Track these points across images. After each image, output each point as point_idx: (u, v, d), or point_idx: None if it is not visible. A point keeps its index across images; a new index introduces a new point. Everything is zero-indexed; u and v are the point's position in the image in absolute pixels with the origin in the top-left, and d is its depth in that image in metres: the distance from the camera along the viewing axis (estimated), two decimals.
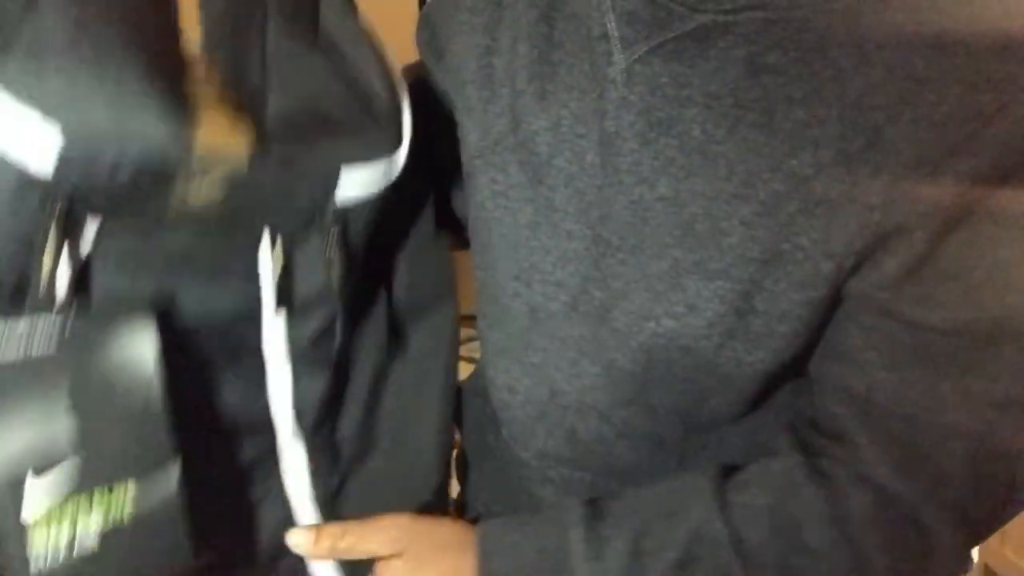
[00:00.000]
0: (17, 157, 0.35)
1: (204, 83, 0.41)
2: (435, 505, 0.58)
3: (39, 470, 0.35)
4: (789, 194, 0.47)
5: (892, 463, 0.51)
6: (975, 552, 2.07)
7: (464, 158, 0.62)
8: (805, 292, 0.49)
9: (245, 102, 0.41)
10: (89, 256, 0.39)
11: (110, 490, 0.38)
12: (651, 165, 0.50)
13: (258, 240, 0.44)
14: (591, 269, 0.54)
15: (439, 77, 0.66)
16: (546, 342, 0.58)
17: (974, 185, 0.42)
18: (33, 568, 0.35)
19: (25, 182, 0.35)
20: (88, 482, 0.37)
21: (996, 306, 0.45)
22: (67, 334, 0.36)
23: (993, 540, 1.95)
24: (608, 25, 0.51)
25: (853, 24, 0.44)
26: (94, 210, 0.39)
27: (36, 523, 0.35)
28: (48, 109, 0.34)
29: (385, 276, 0.57)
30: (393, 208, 0.52)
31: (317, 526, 0.53)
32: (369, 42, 0.52)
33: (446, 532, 0.56)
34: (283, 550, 0.53)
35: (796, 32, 0.45)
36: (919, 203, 0.43)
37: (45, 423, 0.35)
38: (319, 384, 0.50)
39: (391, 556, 0.55)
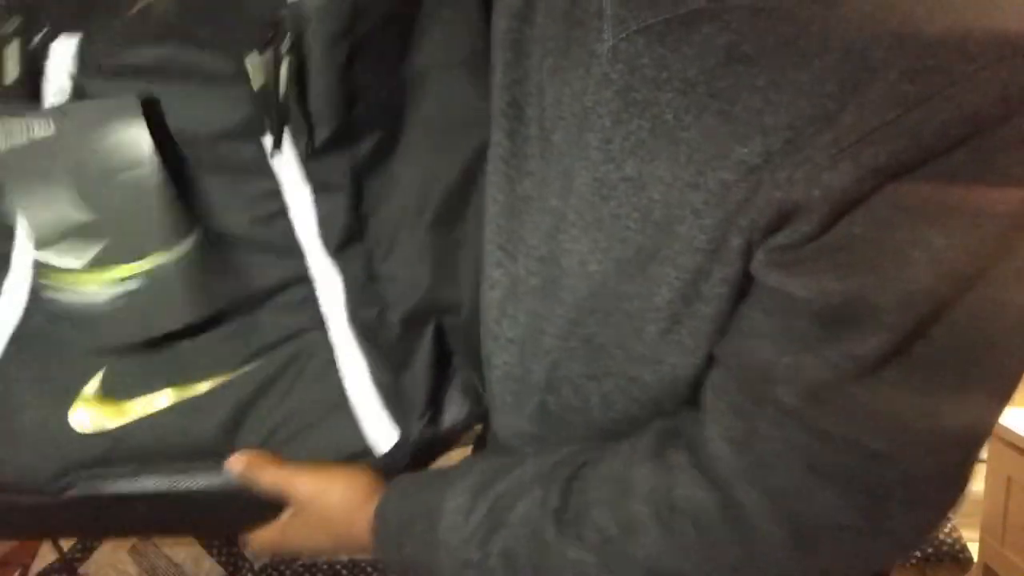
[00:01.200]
0: None
1: None
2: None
3: (61, 249, 0.40)
4: (736, 183, 0.46)
5: (727, 438, 0.51)
6: (975, 552, 2.06)
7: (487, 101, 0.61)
8: (726, 271, 0.49)
9: None
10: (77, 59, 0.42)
11: (137, 258, 0.42)
12: (620, 145, 0.50)
13: (226, 50, 0.44)
14: (551, 243, 0.55)
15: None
16: (523, 317, 0.58)
17: (877, 170, 0.42)
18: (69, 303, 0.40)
19: None
20: (111, 258, 0.41)
21: (851, 284, 0.45)
22: (64, 119, 0.41)
23: (993, 540, 1.95)
24: (604, 2, 0.51)
25: (827, 14, 0.43)
26: (53, 19, 0.42)
27: (68, 279, 0.40)
28: None
29: (417, 94, 0.53)
30: (390, 24, 0.50)
31: (250, 454, 0.53)
32: None
33: (349, 492, 0.57)
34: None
35: (778, 22, 0.45)
36: (825, 186, 0.43)
37: (57, 205, 0.40)
38: (340, 199, 0.50)
39: (293, 507, 0.57)
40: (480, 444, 0.77)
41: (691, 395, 0.55)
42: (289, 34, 0.44)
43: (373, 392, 0.52)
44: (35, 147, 0.40)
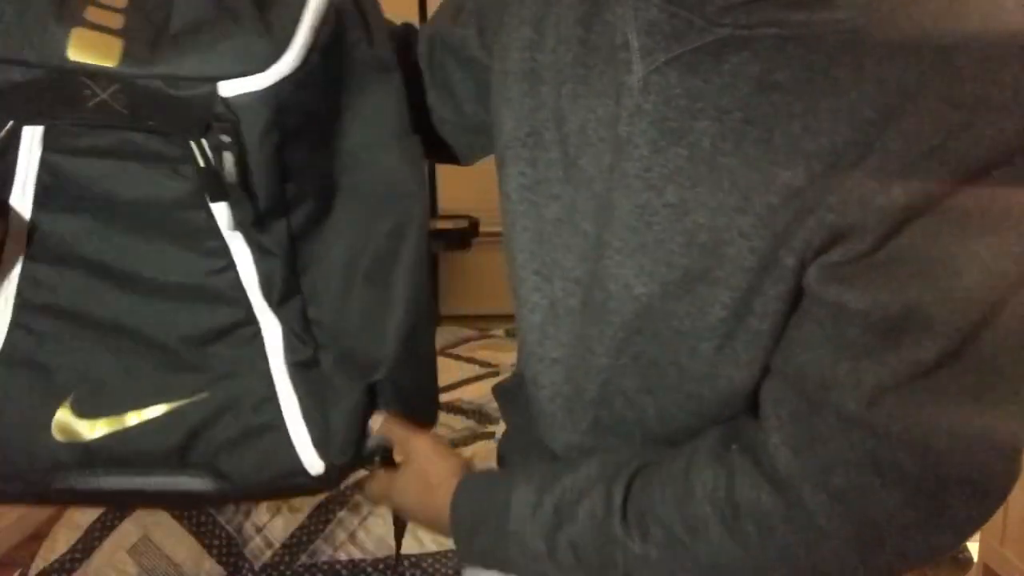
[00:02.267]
0: None
1: (104, 5, 0.51)
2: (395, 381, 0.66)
3: None
4: (783, 206, 0.49)
5: (788, 442, 0.53)
6: (975, 552, 2.06)
7: (497, 145, 0.65)
8: (779, 290, 0.52)
9: (140, 24, 0.51)
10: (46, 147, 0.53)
11: None
12: (660, 172, 0.53)
13: (172, 137, 0.54)
14: (594, 266, 0.58)
15: (472, 47, 0.70)
16: (565, 337, 0.62)
17: (928, 193, 0.45)
18: None
19: None
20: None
21: (907, 295, 0.48)
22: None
23: (993, 540, 1.95)
24: (630, 35, 0.54)
25: (858, 42, 0.46)
26: (19, 112, 0.52)
27: None
28: None
29: (349, 170, 0.63)
30: (320, 110, 0.59)
31: (387, 414, 0.65)
32: None
33: (447, 467, 0.68)
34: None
35: (806, 51, 0.48)
36: (878, 207, 0.46)
37: None
38: (277, 262, 0.59)
39: (402, 464, 0.68)
40: (500, 462, 0.82)
41: (747, 406, 0.57)
42: (228, 123, 0.52)
43: (303, 426, 0.61)
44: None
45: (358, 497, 1.91)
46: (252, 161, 0.55)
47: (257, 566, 1.84)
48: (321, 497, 1.91)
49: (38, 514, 2.71)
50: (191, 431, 0.60)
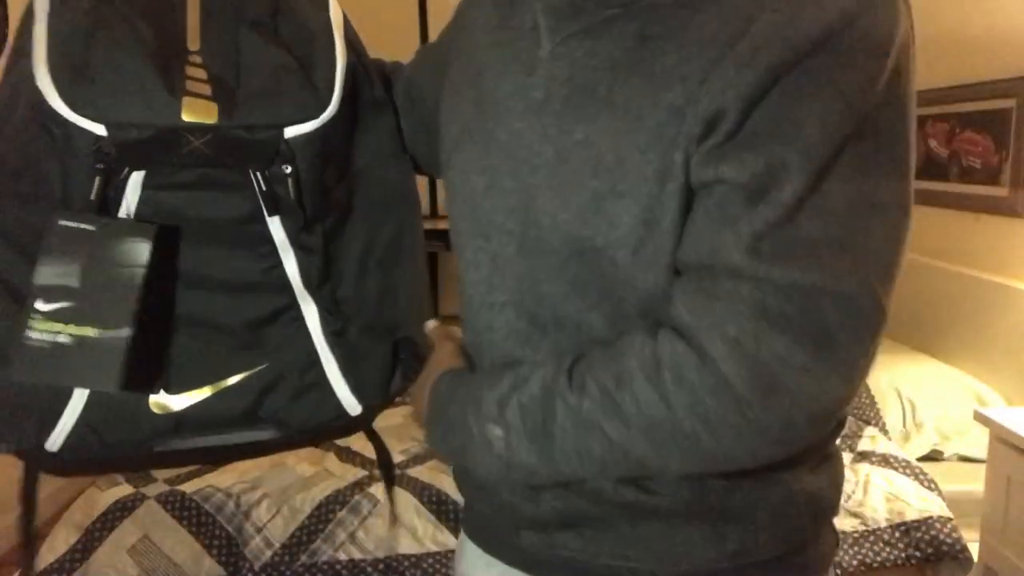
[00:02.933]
0: (83, 133, 0.65)
1: (194, 78, 0.67)
2: (410, 339, 0.84)
3: (47, 302, 0.65)
4: (669, 121, 0.61)
5: (688, 302, 0.62)
6: (975, 552, 2.05)
7: (443, 152, 0.80)
8: (674, 188, 0.62)
9: (222, 88, 0.67)
10: (144, 186, 0.69)
11: (79, 325, 0.65)
12: (571, 118, 0.66)
13: (244, 169, 0.70)
14: (524, 214, 0.69)
15: (427, 92, 0.87)
16: (510, 281, 0.72)
17: (771, 69, 0.58)
18: (28, 337, 0.65)
19: (92, 148, 0.66)
20: (68, 318, 0.65)
21: (768, 152, 0.58)
22: (103, 224, 0.67)
23: (993, 540, 1.95)
24: (538, 18, 0.69)
25: (710, 3, 0.62)
26: (133, 162, 0.67)
27: (37, 320, 0.64)
28: (98, 118, 0.65)
29: (360, 184, 0.81)
30: (344, 142, 0.77)
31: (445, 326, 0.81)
32: (328, 33, 0.75)
33: (440, 358, 0.79)
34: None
35: (674, 9, 0.63)
36: (736, 88, 0.58)
37: (66, 275, 0.65)
38: (316, 258, 0.76)
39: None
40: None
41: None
42: (288, 157, 0.70)
43: (342, 380, 0.79)
44: (78, 232, 0.66)
45: (358, 497, 1.91)
46: (304, 183, 0.72)
47: (257, 566, 1.84)
48: (321, 497, 1.91)
49: (38, 514, 2.71)
50: (257, 395, 0.76)
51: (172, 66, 0.67)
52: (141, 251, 0.67)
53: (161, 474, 2.03)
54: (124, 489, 1.94)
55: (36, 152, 0.68)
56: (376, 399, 0.81)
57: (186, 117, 0.65)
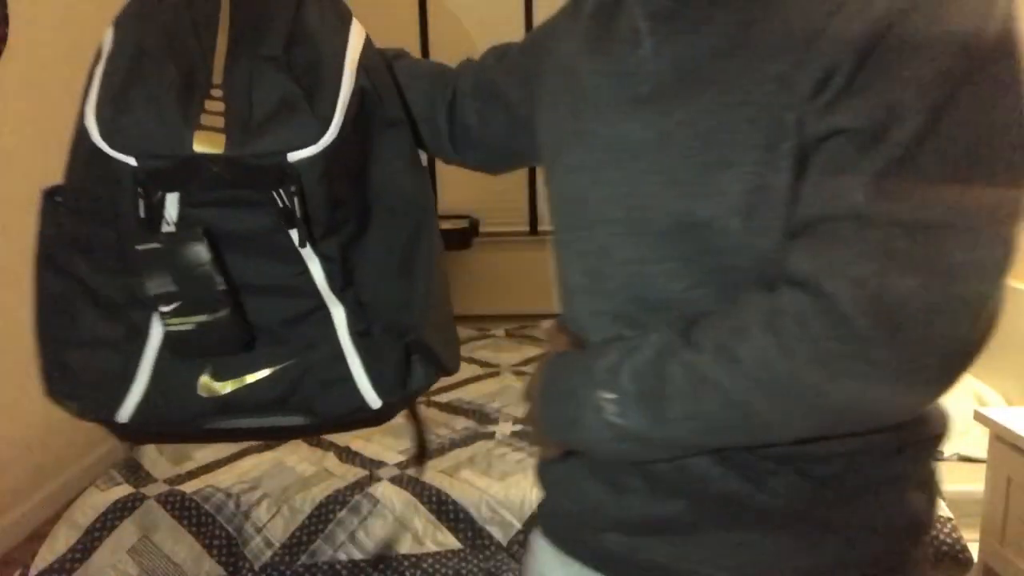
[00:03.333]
0: (121, 165, 0.77)
1: (210, 111, 0.77)
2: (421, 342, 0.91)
3: (167, 304, 0.81)
4: (777, 90, 0.63)
5: (805, 249, 0.62)
6: (975, 552, 2.05)
7: (543, 156, 0.86)
8: (786, 150, 0.63)
9: (235, 119, 0.77)
10: (182, 203, 0.80)
11: (195, 315, 0.82)
12: (673, 102, 0.69)
13: (261, 191, 0.80)
14: (629, 200, 0.72)
15: (510, 93, 0.94)
16: (616, 269, 0.74)
17: (878, 20, 0.59)
18: (167, 330, 0.82)
19: (130, 176, 0.78)
20: (186, 311, 0.81)
21: (884, 96, 0.59)
22: (165, 239, 0.80)
23: (993, 540, 1.95)
24: (638, 23, 0.74)
25: None
26: (165, 186, 0.79)
27: (168, 318, 0.81)
28: (128, 150, 0.77)
29: (377, 196, 0.89)
30: (354, 159, 0.85)
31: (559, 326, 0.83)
32: (338, 60, 0.83)
33: (555, 344, 0.82)
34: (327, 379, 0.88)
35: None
36: (847, 40, 0.60)
37: (165, 283, 0.81)
38: (335, 265, 0.84)
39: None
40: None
41: (777, 278, 0.66)
42: (294, 178, 0.79)
43: (364, 376, 0.87)
44: (152, 251, 0.80)
45: (358, 497, 1.91)
46: (310, 199, 0.80)
47: (257, 566, 1.84)
48: (321, 497, 1.91)
49: (38, 514, 2.72)
50: (289, 385, 0.86)
51: (193, 100, 0.78)
52: (201, 251, 0.81)
53: (161, 474, 2.03)
54: (124, 489, 1.94)
55: (94, 179, 0.81)
56: (392, 395, 0.89)
57: (196, 148, 0.76)
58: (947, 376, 0.60)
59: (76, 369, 0.85)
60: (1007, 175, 0.59)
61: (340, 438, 2.18)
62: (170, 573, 1.82)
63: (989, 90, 0.59)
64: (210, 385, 0.85)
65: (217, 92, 0.79)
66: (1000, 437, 1.92)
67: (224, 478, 1.97)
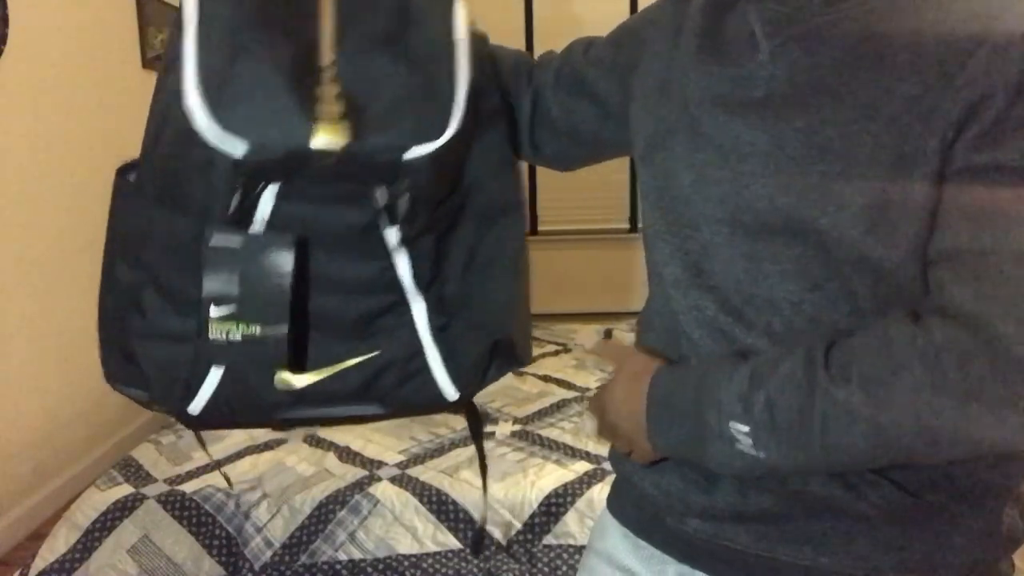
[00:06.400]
0: (223, 154, 0.71)
1: (328, 99, 0.71)
2: (507, 343, 0.90)
3: (218, 306, 0.76)
4: (908, 110, 0.63)
5: (972, 289, 0.61)
6: None
7: (637, 149, 0.85)
8: (922, 172, 0.63)
9: (352, 108, 0.72)
10: (277, 197, 0.76)
11: (247, 325, 0.77)
12: (791, 110, 0.69)
13: (366, 186, 0.76)
14: (736, 201, 0.72)
15: (600, 84, 0.92)
16: (719, 267, 0.75)
17: None
18: (210, 339, 0.77)
19: (232, 166, 0.71)
20: (238, 317, 0.77)
21: None
22: (248, 239, 0.76)
23: None
24: (755, 27, 0.73)
25: (928, 4, 0.65)
26: (269, 177, 0.74)
27: (215, 323, 0.76)
28: (239, 138, 0.70)
29: (469, 195, 0.87)
30: (459, 156, 0.82)
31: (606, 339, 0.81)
32: (453, 50, 0.78)
33: (640, 363, 0.81)
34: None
35: (896, 10, 0.66)
36: (998, 73, 0.60)
37: (227, 283, 0.76)
38: (426, 262, 0.83)
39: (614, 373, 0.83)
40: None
41: (899, 287, 0.67)
42: (408, 174, 0.75)
43: (443, 370, 0.86)
44: (228, 249, 0.76)
45: (358, 497, 1.91)
46: (418, 198, 0.78)
47: (257, 566, 1.84)
48: (321, 497, 1.91)
49: (38, 514, 2.72)
50: (368, 378, 0.84)
51: (306, 84, 0.71)
52: (285, 260, 0.76)
53: (161, 474, 2.03)
54: (124, 489, 1.94)
55: (184, 166, 0.74)
56: (470, 389, 0.88)
57: (315, 144, 0.70)
58: None
59: (143, 359, 0.82)
60: None
61: (340, 438, 2.18)
62: (170, 573, 1.82)
63: None
64: (287, 380, 0.81)
65: (329, 76, 0.72)
66: None
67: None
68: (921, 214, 0.64)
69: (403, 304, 0.84)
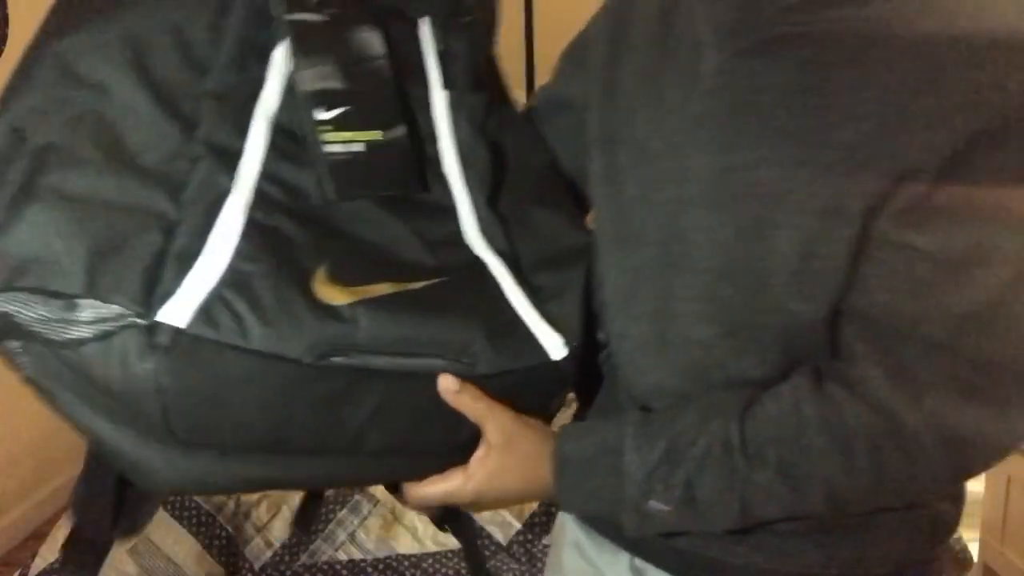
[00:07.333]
0: None
1: None
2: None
3: (328, 109, 0.60)
4: (841, 160, 0.59)
5: (883, 373, 0.61)
6: (975, 552, 2.05)
7: (587, 141, 0.79)
8: (847, 232, 0.60)
9: None
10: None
11: (367, 130, 0.61)
12: (733, 137, 0.64)
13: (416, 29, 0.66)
14: (671, 227, 0.68)
15: (577, 82, 0.84)
16: (648, 293, 0.71)
17: (970, 137, 0.55)
18: (328, 152, 0.60)
19: None
20: (354, 123, 0.61)
21: (970, 233, 0.57)
22: (332, 15, 0.61)
23: (993, 540, 1.95)
24: (703, 34, 0.67)
25: (887, 30, 0.58)
26: None
27: (328, 131, 0.59)
28: None
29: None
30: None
31: (463, 383, 0.66)
32: None
33: (538, 435, 0.71)
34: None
35: (848, 37, 0.60)
36: (930, 148, 0.56)
37: (327, 75, 0.60)
38: (484, 156, 0.70)
39: (489, 447, 0.69)
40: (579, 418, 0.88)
41: (809, 343, 0.65)
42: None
43: (538, 315, 0.69)
44: (312, 25, 0.59)
45: (358, 497, 1.91)
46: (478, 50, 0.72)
47: (257, 566, 1.84)
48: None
49: (38, 514, 2.72)
50: (441, 303, 0.66)
51: None
52: (375, 41, 0.61)
53: None
54: None
55: None
56: (574, 341, 0.72)
57: None
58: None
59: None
60: None
61: None
62: (170, 573, 1.82)
63: None
64: (331, 288, 0.59)
65: None
66: None
67: None
68: (841, 274, 0.61)
69: (479, 263, 0.70)
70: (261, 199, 0.59)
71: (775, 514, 0.66)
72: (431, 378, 0.65)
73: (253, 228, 0.58)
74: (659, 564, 0.77)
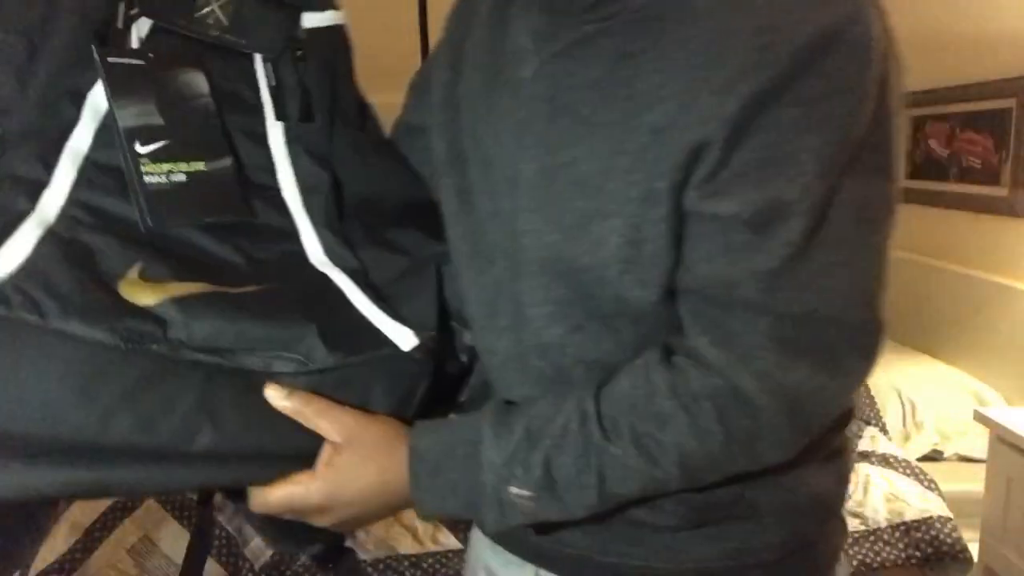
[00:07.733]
0: None
1: None
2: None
3: (146, 143, 0.62)
4: (652, 143, 0.61)
5: (709, 341, 0.63)
6: (975, 552, 2.05)
7: (435, 164, 0.80)
8: (663, 211, 0.62)
9: None
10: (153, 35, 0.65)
11: (188, 161, 0.64)
12: (555, 139, 0.66)
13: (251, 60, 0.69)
14: (512, 236, 0.69)
15: (423, 109, 0.85)
16: (508, 306, 0.72)
17: (755, 97, 0.57)
18: (147, 183, 0.61)
19: None
20: (175, 155, 0.63)
21: (767, 191, 0.59)
22: (151, 59, 0.64)
23: (993, 540, 1.95)
24: (523, 41, 0.69)
25: (681, 10, 0.61)
26: (144, 9, 0.64)
27: (148, 163, 0.61)
28: None
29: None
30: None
31: (292, 389, 0.65)
32: None
33: (386, 427, 0.69)
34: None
35: (649, 24, 0.62)
36: (719, 119, 0.58)
37: (146, 113, 0.63)
38: (326, 182, 0.72)
39: (333, 447, 0.67)
40: None
41: (656, 326, 0.67)
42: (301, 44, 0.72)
43: (384, 315, 0.69)
44: (132, 68, 0.63)
45: None
46: (315, 81, 0.74)
47: (257, 566, 1.84)
48: None
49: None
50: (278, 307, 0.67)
51: None
52: (198, 80, 0.65)
53: None
54: None
55: None
56: (425, 330, 0.71)
57: None
58: (821, 430, 0.69)
59: None
60: (881, 247, 0.63)
61: None
62: (170, 573, 1.82)
63: (868, 165, 0.60)
64: (141, 286, 0.60)
65: None
66: (1000, 437, 1.92)
67: None
68: (669, 255, 0.63)
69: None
70: (69, 220, 0.60)
71: (632, 491, 0.66)
72: (263, 379, 0.64)
73: (54, 239, 0.59)
74: (560, 572, 0.77)
